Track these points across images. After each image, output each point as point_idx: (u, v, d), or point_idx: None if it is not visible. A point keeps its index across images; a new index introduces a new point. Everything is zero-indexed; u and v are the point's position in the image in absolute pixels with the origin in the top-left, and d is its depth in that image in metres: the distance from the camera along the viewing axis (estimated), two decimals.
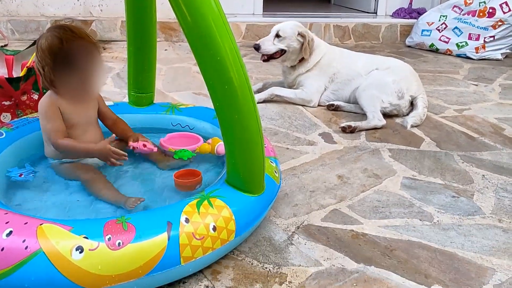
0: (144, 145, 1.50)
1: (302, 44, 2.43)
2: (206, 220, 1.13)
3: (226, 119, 1.18)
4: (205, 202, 1.17)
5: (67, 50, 1.36)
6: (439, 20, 4.08)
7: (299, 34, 2.43)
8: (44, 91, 1.94)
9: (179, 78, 2.97)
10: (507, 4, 3.77)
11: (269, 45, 2.46)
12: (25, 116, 1.69)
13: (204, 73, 1.14)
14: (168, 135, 1.69)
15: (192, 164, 1.55)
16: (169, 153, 1.60)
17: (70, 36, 1.37)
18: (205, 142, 1.62)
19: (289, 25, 2.46)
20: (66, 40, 1.36)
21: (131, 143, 1.52)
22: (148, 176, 1.52)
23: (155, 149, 1.53)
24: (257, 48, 2.47)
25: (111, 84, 2.72)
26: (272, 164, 1.44)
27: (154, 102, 1.92)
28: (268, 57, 2.50)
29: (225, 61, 1.11)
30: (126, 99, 1.93)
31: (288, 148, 1.92)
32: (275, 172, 1.42)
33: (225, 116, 1.17)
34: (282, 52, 2.47)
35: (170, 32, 4.18)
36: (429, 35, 4.12)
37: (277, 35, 2.45)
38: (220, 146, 1.53)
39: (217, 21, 1.10)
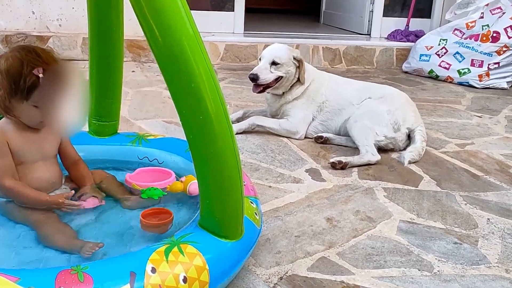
0: (91, 202, 1.49)
1: (297, 69, 2.50)
2: (176, 270, 1.12)
3: (200, 153, 1.19)
4: (175, 248, 1.16)
5: (27, 76, 1.33)
6: (439, 44, 4.23)
7: (294, 58, 2.49)
8: None
9: (147, 104, 2.98)
10: None
11: (267, 73, 2.46)
12: None
13: (176, 101, 1.16)
14: (137, 170, 1.69)
15: (162, 204, 1.55)
16: (135, 191, 1.59)
17: (33, 59, 1.34)
18: (177, 179, 1.63)
19: (283, 50, 2.51)
20: (28, 63, 1.33)
21: (80, 201, 1.49)
22: (110, 217, 1.50)
23: (102, 203, 1.51)
24: (255, 78, 2.45)
25: (69, 110, 2.71)
26: (252, 204, 1.45)
27: (118, 131, 1.92)
28: (265, 87, 2.51)
29: (200, 88, 1.13)
30: (86, 128, 1.93)
31: (270, 186, 1.93)
32: (256, 214, 1.42)
33: (199, 149, 1.18)
34: (277, 79, 2.50)
35: (138, 51, 4.22)
36: (428, 61, 4.26)
37: (274, 63, 2.47)
38: (193, 185, 1.53)
39: (191, 43, 1.12)
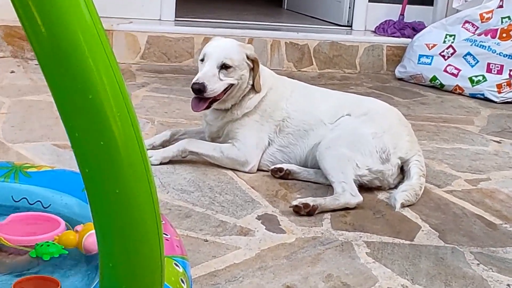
0: None
1: (250, 72, 2.54)
2: None
3: (100, 195, 1.17)
4: None
5: None
6: (444, 42, 4.38)
7: (247, 58, 2.52)
8: None
9: (32, 119, 2.93)
10: None
11: (216, 81, 2.44)
12: None
13: (66, 120, 1.14)
14: (9, 217, 1.65)
15: (46, 266, 1.51)
16: (5, 247, 1.55)
17: None
18: (69, 229, 1.60)
19: (235, 48, 2.53)
20: None
21: None
22: None
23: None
24: (201, 90, 2.41)
25: None
26: (177, 268, 1.43)
27: None
28: (211, 102, 2.49)
29: (102, 101, 1.11)
30: None
31: (207, 240, 1.92)
32: (182, 281, 1.41)
33: (98, 190, 1.16)
34: (226, 89, 2.49)
35: (21, 44, 4.16)
36: (430, 64, 4.38)
37: (224, 66, 2.46)
38: (90, 238, 1.51)
39: (89, 36, 1.11)
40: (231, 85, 2.49)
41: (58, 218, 1.67)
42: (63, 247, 1.53)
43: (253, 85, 2.55)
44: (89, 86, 1.10)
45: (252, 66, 2.53)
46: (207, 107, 2.50)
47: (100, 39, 1.12)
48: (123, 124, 1.14)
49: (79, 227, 1.58)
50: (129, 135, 1.15)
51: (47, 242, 1.53)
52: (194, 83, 2.41)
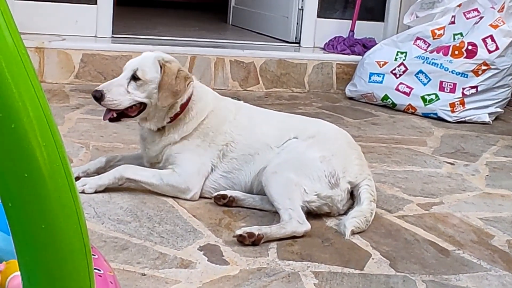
0: None
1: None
2: None
3: (24, 231, 1.16)
4: None
5: None
6: (396, 60, 4.45)
7: (160, 65, 2.52)
8: None
9: None
10: (493, 39, 4.22)
11: (120, 93, 2.47)
12: None
13: None
14: None
15: None
16: None
17: None
18: None
19: (148, 60, 2.54)
20: None
21: None
22: None
23: None
24: (98, 97, 2.47)
25: None
26: None
27: None
28: (119, 114, 2.53)
29: (26, 132, 1.11)
30: None
31: (144, 274, 1.91)
32: None
33: (23, 225, 1.15)
34: (141, 106, 2.52)
35: None
36: (381, 82, 4.45)
37: (134, 77, 2.49)
38: (15, 280, 1.49)
39: (11, 62, 1.10)
40: (143, 104, 2.51)
41: None
42: None
43: (183, 106, 2.55)
44: (11, 115, 1.10)
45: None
46: (115, 119, 2.55)
47: (23, 65, 1.11)
48: (49, 154, 1.13)
49: (1, 266, 1.56)
50: (55, 165, 1.14)
51: None
52: (93, 90, 2.49)
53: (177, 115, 2.55)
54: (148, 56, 2.57)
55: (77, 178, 2.43)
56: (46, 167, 1.13)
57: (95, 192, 2.46)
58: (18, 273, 1.49)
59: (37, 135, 1.12)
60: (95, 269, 1.26)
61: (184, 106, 2.54)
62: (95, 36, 4.76)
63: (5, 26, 1.10)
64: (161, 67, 2.50)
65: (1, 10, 1.09)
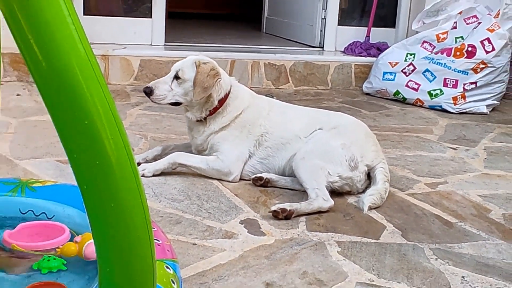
0: None
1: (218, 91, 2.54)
2: None
3: (96, 208, 1.18)
4: None
5: None
6: (405, 60, 4.43)
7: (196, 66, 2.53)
8: None
9: (36, 137, 2.93)
10: (490, 41, 4.18)
11: (165, 89, 2.52)
12: None
13: (65, 142, 1.15)
14: (19, 226, 1.66)
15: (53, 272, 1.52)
16: (18, 253, 1.56)
17: None
18: (72, 237, 1.61)
19: (188, 63, 2.55)
20: None
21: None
22: None
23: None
24: (148, 92, 2.53)
25: None
26: (168, 270, 1.44)
27: None
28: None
29: (97, 126, 1.13)
30: None
31: (195, 244, 1.93)
32: (173, 282, 1.42)
33: (95, 203, 1.17)
34: (175, 104, 2.59)
35: (25, 69, 4.14)
36: (393, 80, 4.43)
37: (177, 76, 2.52)
38: (90, 247, 1.52)
39: (84, 68, 1.12)
40: (178, 103, 2.57)
41: (63, 225, 1.68)
42: (64, 262, 1.53)
43: (220, 102, 2.56)
44: (85, 113, 1.12)
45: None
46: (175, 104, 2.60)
47: (93, 70, 1.14)
48: (116, 145, 1.15)
49: (78, 238, 1.59)
50: (121, 154, 1.16)
51: (51, 256, 1.54)
52: (144, 87, 2.57)
53: (216, 109, 2.56)
54: (189, 59, 2.59)
55: (138, 164, 2.46)
56: (113, 156, 1.15)
57: (153, 175, 2.50)
58: (92, 241, 1.53)
59: (106, 129, 1.14)
60: (154, 239, 1.29)
61: (222, 102, 2.56)
62: (151, 45, 4.80)
63: (78, 39, 1.12)
64: (196, 67, 2.52)
65: (75, 26, 1.12)
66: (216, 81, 2.52)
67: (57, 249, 1.57)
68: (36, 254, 1.57)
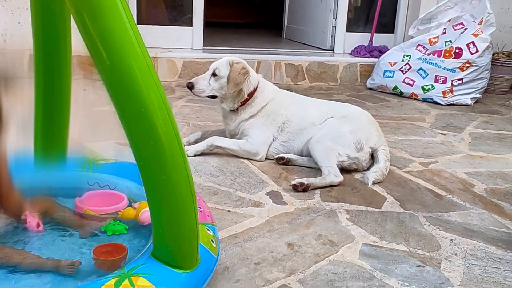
0: (38, 225, 1.48)
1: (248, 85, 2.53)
2: None
3: (151, 180, 1.19)
4: (125, 281, 1.16)
5: None
6: (402, 60, 4.37)
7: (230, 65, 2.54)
8: None
9: (100, 124, 2.95)
10: (474, 44, 4.11)
11: (204, 84, 2.53)
12: None
13: (126, 126, 1.17)
14: (86, 193, 1.68)
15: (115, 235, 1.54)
16: (88, 216, 1.59)
17: None
18: (130, 204, 1.63)
19: (223, 63, 2.55)
20: None
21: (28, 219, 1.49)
22: (59, 246, 1.48)
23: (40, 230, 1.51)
24: (190, 87, 2.54)
25: (12, 133, 2.66)
26: (208, 231, 1.45)
27: (67, 156, 1.90)
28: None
29: (151, 113, 1.14)
30: (31, 152, 1.90)
31: (229, 211, 1.94)
32: (212, 241, 1.43)
33: (150, 177, 1.19)
34: (213, 97, 2.59)
35: (90, 69, 4.18)
36: (392, 77, 4.38)
37: (214, 74, 2.53)
38: (145, 213, 1.53)
39: (140, 65, 1.13)
40: (214, 97, 2.57)
41: (121, 194, 1.70)
42: (127, 227, 1.55)
43: (249, 95, 2.55)
44: (141, 102, 1.13)
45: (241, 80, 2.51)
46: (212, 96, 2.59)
47: (148, 68, 1.14)
48: (166, 129, 1.16)
49: (136, 205, 1.61)
50: (171, 136, 1.17)
51: (116, 221, 1.55)
52: (187, 82, 2.61)
53: (245, 101, 2.56)
54: (224, 59, 2.58)
55: None
56: (165, 138, 1.16)
57: (194, 155, 2.51)
58: (147, 209, 1.54)
59: (158, 116, 1.15)
60: (197, 207, 1.30)
61: (251, 95, 2.56)
62: (191, 48, 4.80)
63: (136, 43, 1.13)
64: (230, 66, 2.52)
65: (133, 32, 1.13)
66: (246, 78, 2.51)
67: (118, 213, 1.60)
68: (101, 216, 1.60)
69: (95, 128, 2.89)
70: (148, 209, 1.48)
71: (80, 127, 2.91)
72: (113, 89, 1.15)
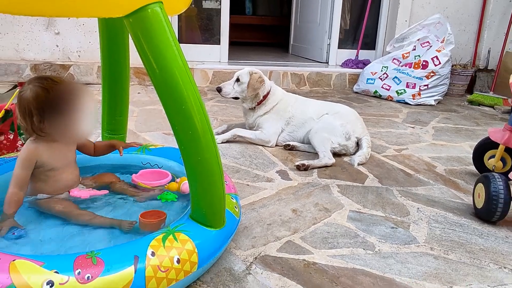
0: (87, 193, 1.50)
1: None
2: (171, 253, 1.13)
3: (190, 161, 1.20)
4: (170, 236, 1.17)
5: (53, 98, 1.33)
6: (381, 70, 4.31)
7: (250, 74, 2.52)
8: (20, 132, 1.91)
9: (150, 119, 2.98)
10: (437, 58, 4.05)
11: (229, 88, 2.53)
12: (2, 156, 1.66)
13: (171, 120, 1.17)
14: (140, 171, 1.70)
15: (160, 202, 1.55)
16: (142, 188, 1.61)
17: (52, 84, 1.35)
18: (173, 180, 1.65)
19: (244, 72, 2.54)
20: (50, 88, 1.34)
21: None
22: (118, 209, 1.49)
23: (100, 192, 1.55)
24: (219, 90, 2.55)
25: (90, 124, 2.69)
26: (232, 200, 1.46)
27: (126, 142, 1.91)
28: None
29: (190, 110, 1.15)
30: (99, 140, 1.93)
31: (248, 185, 1.95)
32: (235, 207, 1.44)
33: (189, 158, 1.20)
34: (235, 98, 2.57)
35: (143, 77, 4.21)
36: (373, 83, 4.33)
37: (237, 80, 2.53)
38: (185, 185, 1.54)
39: (182, 73, 1.14)
40: (238, 97, 2.54)
41: (167, 172, 1.72)
42: (176, 196, 1.56)
43: (264, 97, 2.52)
44: (182, 101, 1.13)
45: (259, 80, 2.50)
46: (236, 98, 2.56)
47: (188, 76, 1.15)
48: (201, 122, 1.17)
49: (178, 180, 1.63)
50: (205, 128, 1.18)
51: (169, 192, 1.56)
52: (217, 86, 2.58)
53: (261, 101, 2.54)
54: (245, 69, 2.56)
55: None
56: (200, 128, 1.16)
57: (222, 142, 2.51)
58: (186, 181, 1.55)
59: (195, 112, 1.15)
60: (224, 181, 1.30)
61: (265, 97, 2.54)
62: (219, 61, 4.78)
63: (178, 56, 1.14)
64: (250, 75, 2.51)
65: (176, 48, 1.13)
66: (261, 84, 2.50)
67: (165, 186, 1.61)
68: (152, 188, 1.61)
69: (147, 122, 2.92)
70: (187, 182, 1.50)
71: (136, 121, 2.95)
72: (161, 92, 1.15)
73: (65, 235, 1.31)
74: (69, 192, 1.48)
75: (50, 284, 0.97)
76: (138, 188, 1.61)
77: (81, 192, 1.49)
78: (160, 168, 1.79)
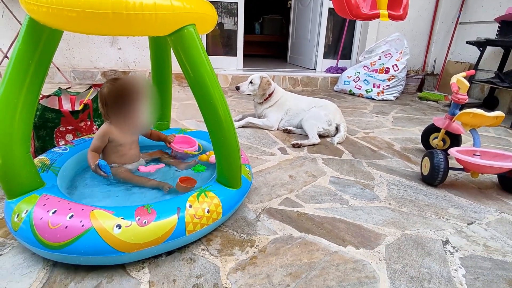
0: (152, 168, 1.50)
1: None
2: (203, 206, 1.14)
3: (216, 140, 1.20)
4: (202, 194, 1.19)
5: (123, 95, 1.35)
6: (355, 75, 4.22)
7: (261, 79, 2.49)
8: (95, 119, 1.92)
9: (187, 111, 2.97)
10: (396, 66, 3.95)
11: (245, 87, 2.50)
12: (82, 137, 1.67)
13: (202, 111, 1.17)
14: (175, 138, 1.68)
15: (193, 172, 1.54)
16: (178, 153, 1.60)
17: (116, 83, 1.37)
18: (203, 153, 1.65)
19: (256, 76, 2.50)
20: (120, 87, 1.36)
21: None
22: (167, 176, 1.50)
23: (181, 150, 1.55)
24: (237, 89, 2.51)
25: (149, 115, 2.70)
26: (246, 168, 1.46)
27: (170, 127, 1.92)
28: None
29: (216, 104, 1.14)
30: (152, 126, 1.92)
31: (257, 158, 1.95)
32: (249, 173, 1.44)
33: (215, 138, 1.20)
34: (249, 94, 2.53)
35: (182, 80, 4.19)
36: (349, 84, 4.25)
37: (251, 82, 2.50)
38: (212, 157, 1.55)
39: (210, 76, 1.13)
40: (250, 94, 2.48)
41: (194, 139, 1.69)
42: (205, 167, 1.53)
43: (269, 95, 2.49)
44: (211, 97, 1.12)
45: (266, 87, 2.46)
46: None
47: (214, 79, 1.13)
48: (224, 113, 1.16)
49: (207, 153, 1.62)
50: (227, 116, 1.17)
51: (199, 165, 1.54)
52: (236, 86, 2.50)
53: (267, 98, 2.50)
54: (257, 74, 2.52)
55: None
56: (223, 117, 1.15)
57: (238, 127, 2.49)
58: (213, 155, 1.54)
59: (220, 105, 1.14)
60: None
61: (270, 95, 2.50)
62: (236, 69, 4.73)
63: (207, 65, 1.12)
64: (261, 79, 2.47)
65: (205, 58, 1.11)
66: (268, 86, 2.47)
67: (198, 158, 1.61)
68: (188, 152, 1.59)
69: (185, 112, 2.91)
70: (213, 155, 1.50)
71: (177, 112, 2.95)
72: (195, 91, 1.14)
73: (128, 192, 1.34)
74: (138, 169, 1.49)
75: (118, 227, 0.99)
76: (177, 158, 1.61)
77: (148, 168, 1.50)
78: (189, 135, 1.77)
